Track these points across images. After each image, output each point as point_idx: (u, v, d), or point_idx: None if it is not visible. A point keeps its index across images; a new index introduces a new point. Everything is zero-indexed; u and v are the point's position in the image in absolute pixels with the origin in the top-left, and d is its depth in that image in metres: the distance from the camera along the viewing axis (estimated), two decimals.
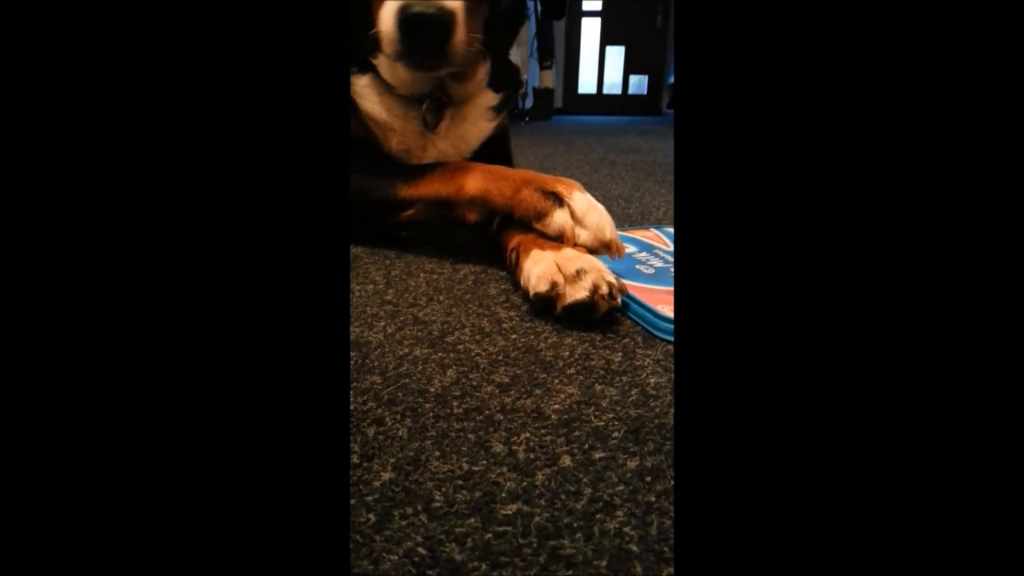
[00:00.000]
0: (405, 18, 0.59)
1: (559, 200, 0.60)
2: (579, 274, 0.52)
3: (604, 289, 0.51)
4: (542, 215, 0.60)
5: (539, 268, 0.55)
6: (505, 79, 0.83)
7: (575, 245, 0.58)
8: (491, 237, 0.70)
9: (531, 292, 0.54)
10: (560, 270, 0.53)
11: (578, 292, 0.51)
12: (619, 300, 0.53)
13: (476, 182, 0.66)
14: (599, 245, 0.58)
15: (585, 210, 0.59)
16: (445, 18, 0.60)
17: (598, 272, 0.52)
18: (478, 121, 0.82)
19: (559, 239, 0.59)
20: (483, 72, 0.78)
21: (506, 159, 0.90)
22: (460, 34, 0.61)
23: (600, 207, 0.60)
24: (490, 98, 0.82)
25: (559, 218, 0.60)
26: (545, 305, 0.54)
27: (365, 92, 0.77)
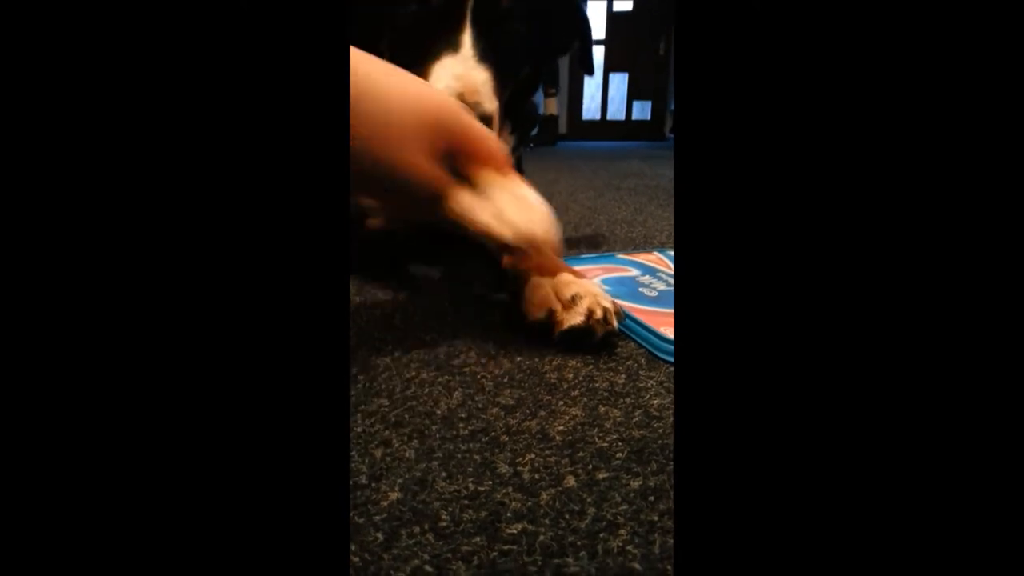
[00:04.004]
0: None
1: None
2: (574, 299, 0.53)
3: (599, 313, 0.52)
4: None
5: (537, 295, 0.56)
6: (519, 123, 0.84)
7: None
8: (497, 268, 0.71)
9: (530, 318, 0.55)
10: (557, 297, 0.54)
11: (574, 318, 0.52)
12: (615, 324, 0.53)
13: None
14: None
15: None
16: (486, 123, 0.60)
17: (593, 297, 0.53)
18: None
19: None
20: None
21: None
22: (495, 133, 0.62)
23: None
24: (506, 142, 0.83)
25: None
26: (543, 331, 0.54)
27: None
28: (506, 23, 0.67)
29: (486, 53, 0.64)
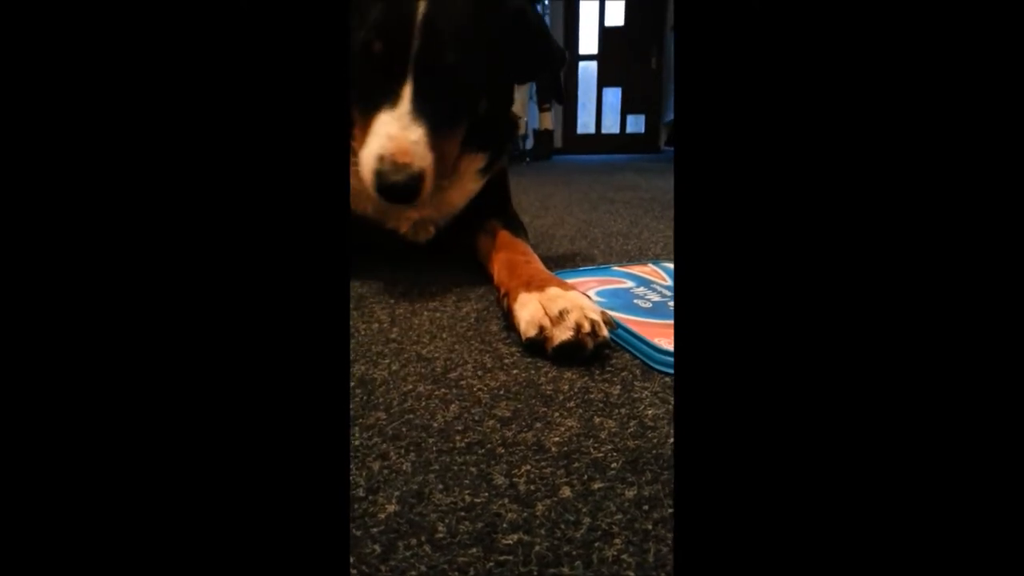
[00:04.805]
0: (380, 187, 0.65)
1: None
2: (562, 314, 0.54)
3: (587, 327, 0.53)
4: None
5: (527, 312, 0.56)
6: (495, 137, 0.83)
7: None
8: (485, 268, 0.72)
9: (523, 337, 0.56)
10: (546, 312, 0.55)
11: (564, 333, 0.53)
12: (605, 334, 0.54)
13: None
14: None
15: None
16: (416, 185, 0.65)
17: (580, 310, 0.54)
18: (465, 185, 0.82)
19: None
20: (465, 162, 0.80)
21: (500, 204, 0.89)
22: (428, 184, 0.66)
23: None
24: (477, 161, 0.81)
25: None
26: (537, 347, 0.55)
27: None
28: (451, 77, 0.67)
29: (424, 108, 0.65)
